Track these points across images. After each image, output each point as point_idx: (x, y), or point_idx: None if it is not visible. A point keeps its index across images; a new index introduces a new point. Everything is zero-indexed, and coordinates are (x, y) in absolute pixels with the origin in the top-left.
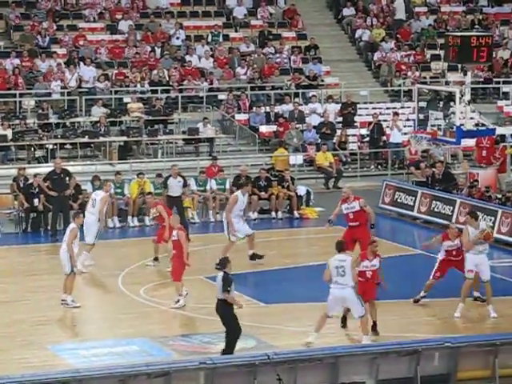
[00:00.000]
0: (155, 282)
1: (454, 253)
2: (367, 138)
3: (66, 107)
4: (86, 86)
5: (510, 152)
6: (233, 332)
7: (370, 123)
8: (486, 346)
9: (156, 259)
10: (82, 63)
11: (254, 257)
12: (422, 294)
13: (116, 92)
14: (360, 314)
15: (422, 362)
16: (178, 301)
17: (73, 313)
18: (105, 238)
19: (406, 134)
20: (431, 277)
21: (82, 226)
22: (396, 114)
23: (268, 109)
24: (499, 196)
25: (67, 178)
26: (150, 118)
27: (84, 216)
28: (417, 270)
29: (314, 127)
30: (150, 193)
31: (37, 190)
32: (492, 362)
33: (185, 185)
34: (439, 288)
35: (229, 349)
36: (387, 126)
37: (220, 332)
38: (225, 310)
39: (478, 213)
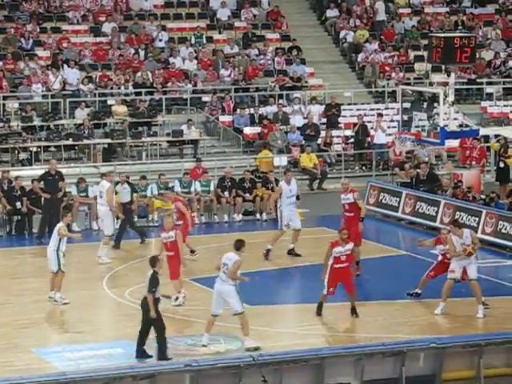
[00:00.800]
0: (140, 284)
1: (448, 255)
2: (352, 140)
3: (49, 110)
4: (69, 89)
5: (495, 148)
6: (159, 330)
7: (354, 124)
8: (471, 347)
9: (192, 251)
10: (65, 65)
11: (291, 252)
12: (417, 290)
13: (100, 94)
14: (237, 311)
15: (407, 362)
16: (177, 298)
17: (58, 316)
18: (89, 240)
19: (390, 135)
20: (425, 275)
21: (68, 225)
22: (380, 115)
23: (252, 110)
24: (482, 197)
25: (60, 181)
26: (134, 120)
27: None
28: (401, 271)
29: (298, 128)
30: (167, 188)
31: (19, 192)
32: (477, 362)
33: (133, 191)
34: (424, 289)
35: (162, 353)
36: (371, 128)
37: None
38: (147, 306)
39: (463, 213)
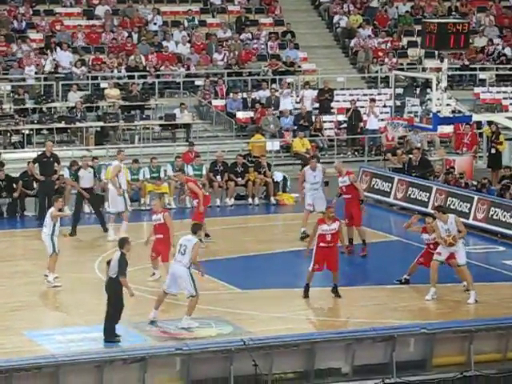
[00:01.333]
0: (132, 268)
1: (432, 246)
2: (344, 125)
3: (42, 92)
4: (62, 72)
5: (487, 133)
6: (113, 311)
7: (347, 109)
8: (462, 332)
9: (207, 235)
10: (58, 48)
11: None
12: (405, 276)
13: (93, 77)
14: (189, 295)
15: (398, 347)
16: (154, 274)
17: (49, 299)
18: (81, 223)
19: (382, 120)
20: (414, 261)
21: (60, 210)
22: (373, 100)
23: (245, 95)
24: (474, 183)
25: (55, 164)
26: (127, 103)
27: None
28: (393, 257)
29: (290, 112)
30: (180, 170)
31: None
32: (467, 348)
33: (95, 175)
34: (415, 274)
35: (110, 335)
36: (364, 113)
37: (197, 318)
38: (112, 286)
39: (454, 199)
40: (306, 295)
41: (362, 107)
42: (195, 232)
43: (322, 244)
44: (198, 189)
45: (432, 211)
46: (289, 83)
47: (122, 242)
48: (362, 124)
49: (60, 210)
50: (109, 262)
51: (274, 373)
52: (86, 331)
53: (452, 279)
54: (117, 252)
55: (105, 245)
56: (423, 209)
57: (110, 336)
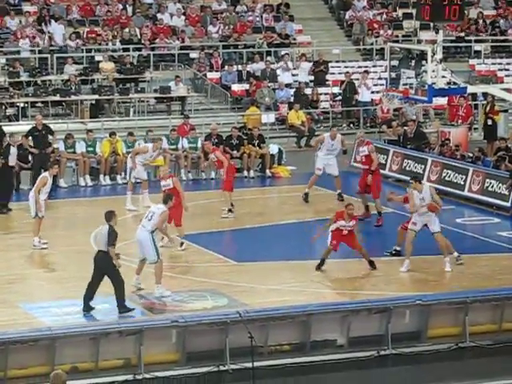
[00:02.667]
0: (127, 241)
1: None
2: (339, 97)
3: (36, 65)
4: (57, 45)
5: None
6: (118, 280)
7: (342, 82)
8: (457, 304)
9: (230, 210)
10: (53, 21)
11: (339, 196)
12: (395, 247)
13: (87, 50)
14: (152, 261)
15: (393, 319)
16: (182, 243)
17: (44, 271)
18: (77, 196)
19: (378, 92)
20: (399, 227)
21: (55, 176)
22: (365, 72)
23: (240, 67)
24: (470, 154)
25: (49, 136)
26: (122, 76)
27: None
28: (388, 229)
29: (287, 85)
30: (207, 139)
31: None
32: (462, 319)
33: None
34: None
35: (122, 306)
36: (358, 86)
37: (193, 290)
38: (106, 261)
39: (450, 171)
40: (318, 268)
41: (357, 79)
42: (166, 202)
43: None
44: (225, 158)
45: (428, 184)
46: (284, 54)
47: (109, 215)
48: (357, 96)
49: (54, 177)
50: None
51: (270, 345)
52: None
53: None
54: (103, 226)
55: (101, 218)
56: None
57: (124, 307)
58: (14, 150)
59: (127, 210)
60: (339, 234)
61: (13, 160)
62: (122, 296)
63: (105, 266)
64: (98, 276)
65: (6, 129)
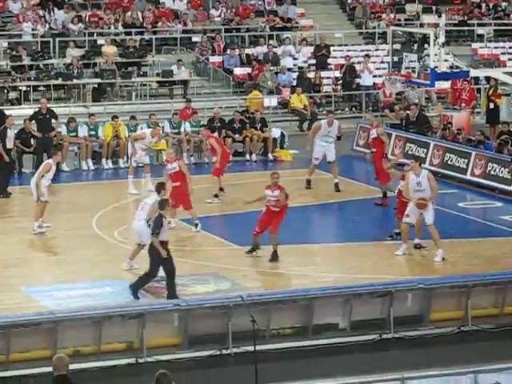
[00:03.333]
0: (128, 224)
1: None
2: (341, 81)
3: (39, 49)
4: (59, 28)
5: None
6: (169, 271)
7: (342, 66)
8: (459, 288)
9: (216, 196)
10: (55, 9)
11: (336, 187)
12: (396, 230)
13: (90, 34)
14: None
15: (395, 303)
16: (197, 225)
17: (47, 255)
18: (79, 179)
19: (380, 76)
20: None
21: (58, 164)
22: (367, 56)
23: (242, 51)
24: (472, 138)
25: (53, 120)
26: (124, 60)
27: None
28: (390, 212)
29: (289, 69)
30: (203, 125)
31: None
32: (465, 302)
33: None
34: (413, 230)
35: (172, 292)
36: (361, 70)
37: (196, 274)
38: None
39: (452, 155)
40: (250, 251)
41: (360, 63)
42: (159, 191)
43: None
44: (218, 145)
45: (431, 168)
46: (286, 38)
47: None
48: (359, 80)
49: (58, 164)
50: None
51: (272, 328)
52: (84, 287)
53: (449, 234)
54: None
55: (103, 201)
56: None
57: (174, 294)
58: (10, 133)
59: (129, 194)
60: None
61: (10, 143)
62: (173, 284)
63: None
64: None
65: (8, 113)
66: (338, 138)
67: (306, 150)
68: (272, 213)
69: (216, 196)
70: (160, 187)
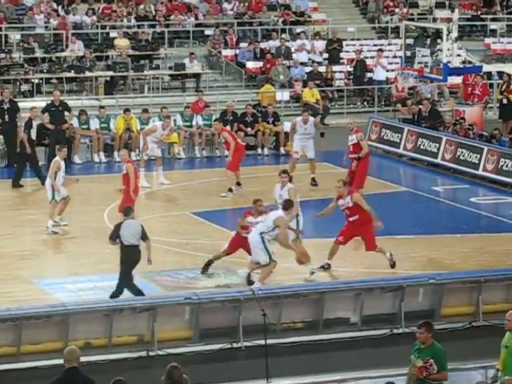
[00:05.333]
0: (140, 217)
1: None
2: (352, 75)
3: (51, 41)
4: (72, 21)
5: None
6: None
7: (352, 60)
8: (470, 283)
9: (231, 190)
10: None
11: (313, 181)
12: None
13: (102, 27)
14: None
15: (407, 298)
16: None
17: (59, 247)
18: (91, 172)
19: (392, 71)
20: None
21: (65, 160)
22: (380, 50)
23: (254, 45)
24: (484, 133)
25: (65, 112)
26: (136, 53)
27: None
28: (402, 207)
29: (301, 63)
30: (217, 119)
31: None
32: (476, 298)
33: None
34: (425, 225)
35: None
36: (374, 65)
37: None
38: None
39: (464, 150)
40: (203, 270)
41: (372, 57)
42: (286, 208)
43: (243, 234)
44: (232, 139)
45: (442, 163)
46: (300, 32)
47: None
48: (370, 74)
49: (65, 160)
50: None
51: (283, 322)
52: (96, 280)
53: (461, 230)
54: (131, 221)
55: (115, 194)
56: (433, 159)
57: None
58: (35, 124)
59: (141, 187)
60: (242, 237)
61: (34, 134)
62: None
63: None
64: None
65: (20, 105)
66: (321, 134)
67: (286, 148)
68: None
69: (230, 190)
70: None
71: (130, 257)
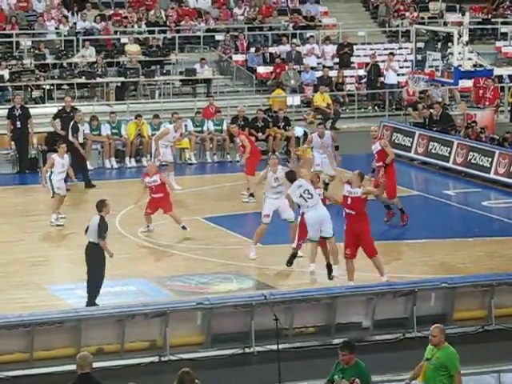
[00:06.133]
0: (153, 223)
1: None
2: (365, 79)
3: (62, 47)
4: (82, 27)
5: None
6: (94, 278)
7: (366, 64)
8: (483, 287)
9: (252, 195)
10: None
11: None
12: None
13: (113, 32)
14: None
15: (419, 302)
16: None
17: (71, 253)
18: (102, 178)
19: (403, 75)
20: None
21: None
22: (391, 54)
23: (264, 50)
24: (496, 137)
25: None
26: (147, 58)
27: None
28: (414, 211)
29: (312, 68)
30: (233, 122)
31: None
32: (488, 302)
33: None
34: (436, 229)
35: (91, 299)
36: (385, 69)
37: (218, 272)
38: (95, 253)
39: (476, 154)
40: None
41: (383, 61)
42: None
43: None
44: (248, 142)
45: (454, 166)
46: (310, 37)
47: (101, 205)
48: (382, 78)
49: (82, 158)
50: (87, 230)
51: (295, 327)
52: (108, 286)
53: (473, 233)
54: (95, 216)
55: (126, 200)
56: (444, 163)
57: (91, 303)
58: (82, 128)
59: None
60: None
61: (81, 137)
62: (94, 292)
63: (90, 256)
64: (88, 270)
65: (31, 111)
66: (336, 147)
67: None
68: None
69: (252, 195)
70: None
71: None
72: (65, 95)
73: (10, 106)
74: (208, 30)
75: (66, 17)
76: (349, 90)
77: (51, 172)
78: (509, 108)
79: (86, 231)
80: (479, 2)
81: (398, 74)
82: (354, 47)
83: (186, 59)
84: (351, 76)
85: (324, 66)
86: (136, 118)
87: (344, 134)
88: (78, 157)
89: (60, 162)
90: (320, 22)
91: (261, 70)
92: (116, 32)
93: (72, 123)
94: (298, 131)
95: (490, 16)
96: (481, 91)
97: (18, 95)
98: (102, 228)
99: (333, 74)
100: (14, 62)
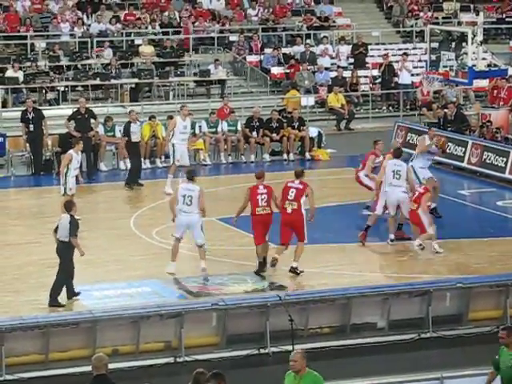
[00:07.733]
0: (168, 224)
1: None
2: (379, 80)
3: (77, 49)
4: (97, 28)
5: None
6: (65, 274)
7: (380, 64)
8: (498, 287)
9: None
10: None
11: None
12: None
13: (127, 34)
14: (200, 243)
15: (434, 302)
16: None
17: (85, 255)
18: (117, 179)
19: (417, 75)
20: None
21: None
22: (405, 54)
23: (279, 50)
24: (511, 137)
25: (92, 119)
26: (161, 60)
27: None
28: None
29: (326, 68)
30: (246, 124)
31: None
32: (504, 302)
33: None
34: (451, 229)
35: (54, 300)
36: (398, 69)
37: (233, 273)
38: (65, 252)
39: (490, 154)
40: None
41: (397, 62)
42: (191, 178)
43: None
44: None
45: (468, 166)
46: (323, 37)
47: (69, 205)
48: (396, 79)
49: (96, 162)
50: (56, 229)
51: (310, 328)
52: (123, 287)
53: (488, 233)
54: (64, 215)
55: (141, 201)
56: (459, 163)
57: (54, 301)
58: (135, 127)
59: (165, 193)
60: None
61: (135, 136)
62: (57, 291)
63: (62, 255)
64: (59, 268)
65: (46, 113)
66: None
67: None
68: None
69: None
70: (192, 174)
71: None
72: (79, 97)
73: (23, 109)
74: (222, 31)
75: (81, 18)
76: (363, 91)
77: (67, 169)
78: None
79: (56, 231)
80: (493, 2)
81: (412, 74)
82: (369, 47)
83: (200, 60)
84: (365, 76)
85: (338, 67)
86: (150, 119)
87: (358, 134)
88: (135, 160)
89: (76, 157)
90: (334, 22)
91: (275, 70)
92: (130, 34)
93: (125, 123)
94: (313, 132)
95: (504, 15)
96: (495, 91)
97: (28, 99)
98: (74, 226)
99: (347, 74)
100: (28, 63)
